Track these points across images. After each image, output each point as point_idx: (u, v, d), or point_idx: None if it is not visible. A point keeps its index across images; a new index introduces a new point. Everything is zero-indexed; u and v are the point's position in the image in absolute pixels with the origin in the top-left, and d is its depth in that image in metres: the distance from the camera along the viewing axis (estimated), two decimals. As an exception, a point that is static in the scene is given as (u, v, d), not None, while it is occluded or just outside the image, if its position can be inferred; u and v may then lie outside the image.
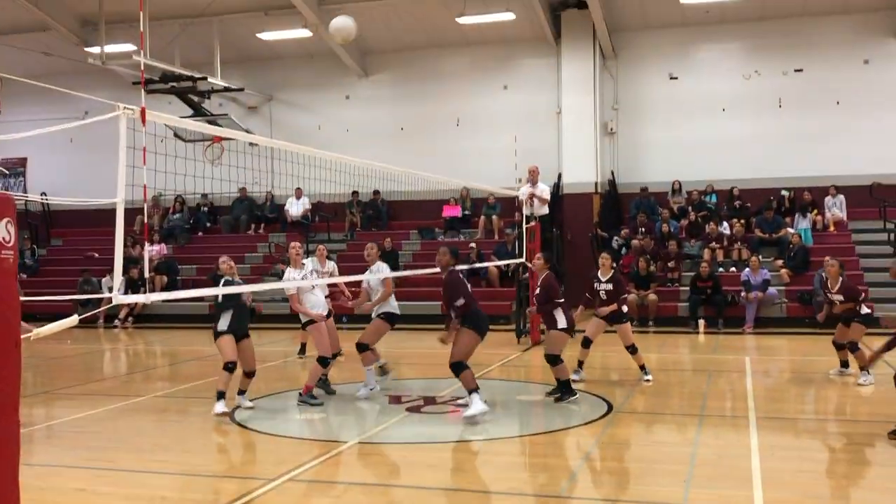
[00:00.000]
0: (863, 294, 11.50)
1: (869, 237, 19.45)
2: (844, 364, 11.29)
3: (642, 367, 11.15)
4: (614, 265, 11.59)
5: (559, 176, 21.93)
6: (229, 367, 9.32)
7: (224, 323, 9.37)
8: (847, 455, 7.64)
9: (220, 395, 9.30)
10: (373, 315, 10.43)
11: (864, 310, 11.02)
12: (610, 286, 11.02)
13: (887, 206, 19.47)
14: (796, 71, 21.36)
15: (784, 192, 20.56)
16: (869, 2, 20.62)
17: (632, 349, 11.03)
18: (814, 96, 21.09)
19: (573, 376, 10.53)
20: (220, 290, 8.98)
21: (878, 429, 8.18)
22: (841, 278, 10.96)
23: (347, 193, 22.49)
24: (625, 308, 11.12)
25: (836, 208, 19.98)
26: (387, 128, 23.61)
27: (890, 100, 20.64)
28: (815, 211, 20.02)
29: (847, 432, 8.64)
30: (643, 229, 20.26)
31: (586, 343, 11.14)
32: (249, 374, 9.67)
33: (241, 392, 9.66)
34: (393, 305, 10.35)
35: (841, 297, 10.89)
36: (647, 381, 10.98)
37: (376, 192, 23.13)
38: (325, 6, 21.76)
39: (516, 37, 22.71)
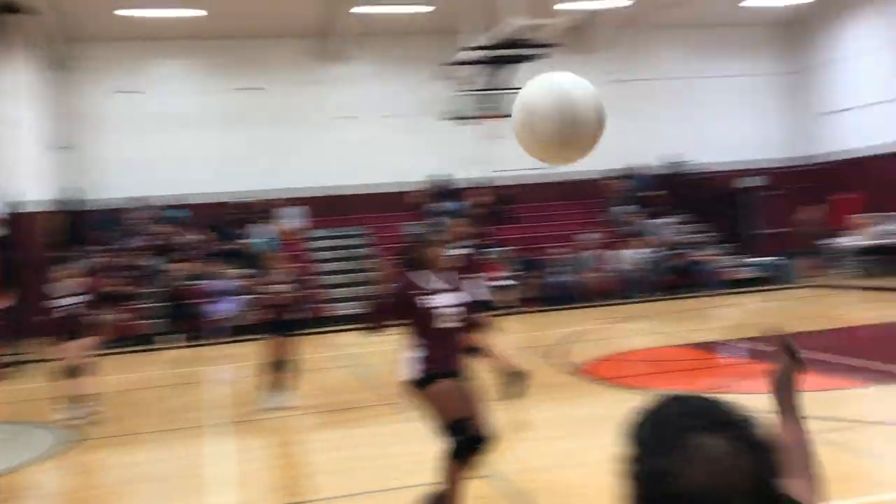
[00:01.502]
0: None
1: (325, 243, 21.40)
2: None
3: (78, 399, 10.05)
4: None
5: (6, 194, 20.37)
6: None
7: None
8: (313, 445, 8.48)
9: None
10: None
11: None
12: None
13: (342, 215, 21.60)
14: (255, 89, 22.60)
15: (242, 201, 21.60)
16: (309, 28, 22.53)
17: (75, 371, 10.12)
18: (272, 114, 22.52)
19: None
20: None
21: (340, 417, 9.21)
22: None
23: None
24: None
25: (293, 218, 21.56)
26: None
27: (333, 120, 22.82)
28: (277, 221, 21.33)
29: (309, 424, 9.53)
30: (110, 246, 19.77)
31: (73, 372, 10.13)
32: None
33: None
34: None
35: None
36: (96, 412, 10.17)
37: None
38: None
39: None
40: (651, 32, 23.37)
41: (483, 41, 19.93)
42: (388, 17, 22.17)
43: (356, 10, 21.15)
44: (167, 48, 22.29)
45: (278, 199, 21.87)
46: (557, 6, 20.11)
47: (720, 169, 22.80)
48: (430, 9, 21.58)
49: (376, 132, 22.89)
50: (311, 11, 21.87)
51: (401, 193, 22.50)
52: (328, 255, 21.13)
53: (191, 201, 21.79)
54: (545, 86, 3.12)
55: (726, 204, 22.16)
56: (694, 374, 10.84)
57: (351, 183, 22.49)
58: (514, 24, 19.14)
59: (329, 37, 22.53)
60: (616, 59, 23.40)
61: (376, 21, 22.20)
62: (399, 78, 23.19)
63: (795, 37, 24.68)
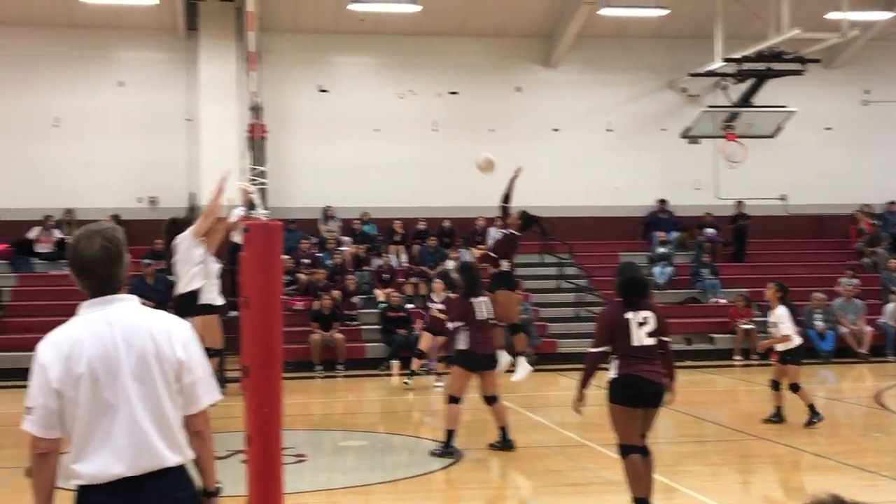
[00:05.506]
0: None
1: (534, 271, 20.51)
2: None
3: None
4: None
5: (192, 196, 20.11)
6: None
7: None
8: None
9: None
10: None
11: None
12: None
13: (551, 239, 20.67)
14: (451, 93, 21.91)
15: (445, 224, 20.94)
16: (520, 27, 21.88)
17: None
18: (468, 121, 21.82)
19: None
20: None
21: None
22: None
23: None
24: None
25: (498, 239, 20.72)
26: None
27: (540, 129, 22.04)
28: (479, 242, 20.57)
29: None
30: (308, 261, 19.22)
31: None
32: None
33: None
34: None
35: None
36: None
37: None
38: None
39: (135, 23, 20.52)
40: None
41: (737, 53, 19.00)
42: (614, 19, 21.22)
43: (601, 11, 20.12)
44: (355, 43, 21.87)
45: (478, 219, 21.09)
46: (829, 16, 19.08)
47: None
48: (664, 12, 20.63)
49: (587, 147, 22.01)
50: (538, 9, 21.18)
51: (616, 219, 21.64)
52: (537, 283, 20.26)
53: (378, 215, 21.25)
54: None
55: None
56: None
57: (556, 204, 21.51)
58: (784, 35, 18.22)
59: (552, 37, 21.84)
60: (868, 77, 22.28)
61: (598, 21, 21.17)
62: (616, 87, 22.29)
63: None
